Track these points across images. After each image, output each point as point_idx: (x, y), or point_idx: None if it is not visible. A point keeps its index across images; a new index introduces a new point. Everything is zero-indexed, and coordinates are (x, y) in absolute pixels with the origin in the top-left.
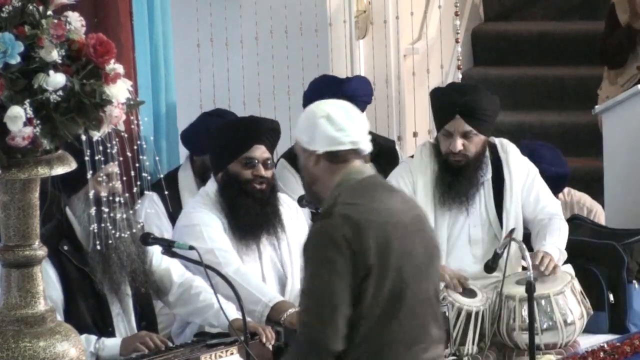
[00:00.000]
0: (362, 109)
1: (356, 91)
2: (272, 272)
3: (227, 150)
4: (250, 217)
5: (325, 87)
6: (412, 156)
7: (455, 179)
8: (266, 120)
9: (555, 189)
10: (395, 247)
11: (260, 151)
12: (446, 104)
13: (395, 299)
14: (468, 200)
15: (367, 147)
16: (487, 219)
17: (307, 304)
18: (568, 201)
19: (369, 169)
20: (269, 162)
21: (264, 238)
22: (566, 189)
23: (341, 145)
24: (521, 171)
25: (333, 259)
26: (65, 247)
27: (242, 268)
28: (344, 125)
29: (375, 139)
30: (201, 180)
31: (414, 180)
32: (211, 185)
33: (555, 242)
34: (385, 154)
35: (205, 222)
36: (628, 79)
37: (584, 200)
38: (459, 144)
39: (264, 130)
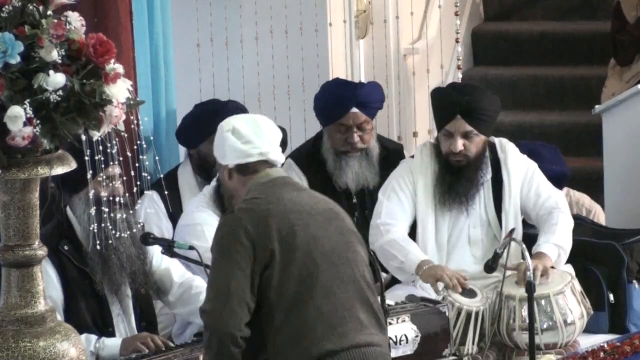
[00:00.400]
0: (373, 114)
1: (369, 97)
2: None
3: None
4: None
5: (339, 91)
6: (412, 156)
7: (455, 180)
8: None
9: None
10: (300, 232)
11: None
12: (447, 104)
13: (307, 280)
14: (468, 201)
15: (277, 157)
16: (486, 219)
17: (208, 294)
18: (567, 201)
19: (277, 172)
20: None
21: None
22: (565, 189)
23: (250, 157)
24: (519, 169)
25: (231, 249)
26: (66, 247)
27: None
28: (251, 138)
29: (383, 142)
30: (201, 175)
31: (414, 180)
32: (214, 183)
33: (549, 239)
34: (392, 157)
35: (206, 221)
36: (633, 76)
37: (583, 201)
38: (459, 144)
39: None
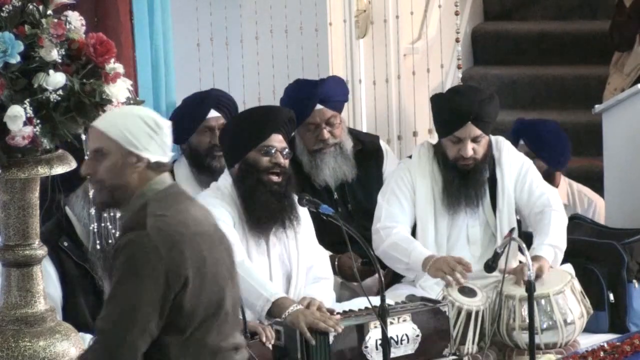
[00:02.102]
0: (340, 109)
1: (330, 91)
2: (280, 267)
3: (246, 139)
4: (267, 209)
5: (300, 91)
6: (410, 156)
7: (463, 183)
8: (283, 109)
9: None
10: (207, 257)
11: (278, 140)
12: (458, 111)
13: (214, 306)
14: (475, 202)
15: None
16: (485, 218)
17: (110, 312)
18: (569, 191)
19: (168, 178)
20: (286, 151)
21: (274, 233)
22: (568, 181)
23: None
24: (514, 167)
25: (143, 272)
26: (65, 244)
27: (246, 262)
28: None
29: (358, 135)
30: (196, 168)
31: (412, 180)
32: (224, 179)
33: (543, 240)
34: (368, 149)
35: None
36: (634, 68)
37: (585, 191)
38: (470, 149)
39: (283, 120)
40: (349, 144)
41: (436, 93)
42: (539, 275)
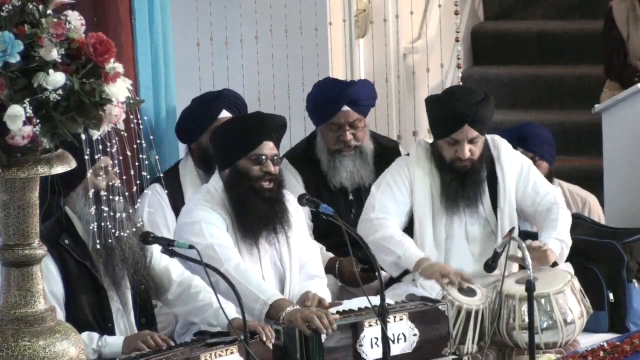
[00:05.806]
0: (365, 113)
1: (360, 95)
2: (272, 271)
3: (237, 146)
4: (258, 216)
5: (330, 90)
6: (408, 154)
7: (462, 185)
8: (275, 116)
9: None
10: None
11: (269, 148)
12: (455, 115)
13: None
14: (475, 202)
15: None
16: (484, 216)
17: None
18: (562, 192)
19: None
20: (276, 158)
21: (265, 237)
22: (557, 181)
23: None
24: (514, 166)
25: None
26: (66, 242)
27: (242, 265)
28: None
29: (378, 140)
30: (203, 168)
31: (411, 178)
32: (216, 183)
33: (551, 234)
34: (388, 155)
35: (206, 219)
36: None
37: (577, 191)
38: (467, 151)
39: (274, 127)
40: (370, 148)
41: (430, 95)
42: (544, 262)
